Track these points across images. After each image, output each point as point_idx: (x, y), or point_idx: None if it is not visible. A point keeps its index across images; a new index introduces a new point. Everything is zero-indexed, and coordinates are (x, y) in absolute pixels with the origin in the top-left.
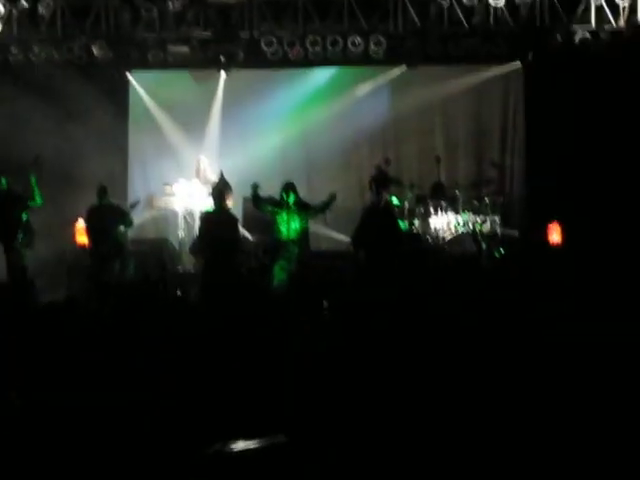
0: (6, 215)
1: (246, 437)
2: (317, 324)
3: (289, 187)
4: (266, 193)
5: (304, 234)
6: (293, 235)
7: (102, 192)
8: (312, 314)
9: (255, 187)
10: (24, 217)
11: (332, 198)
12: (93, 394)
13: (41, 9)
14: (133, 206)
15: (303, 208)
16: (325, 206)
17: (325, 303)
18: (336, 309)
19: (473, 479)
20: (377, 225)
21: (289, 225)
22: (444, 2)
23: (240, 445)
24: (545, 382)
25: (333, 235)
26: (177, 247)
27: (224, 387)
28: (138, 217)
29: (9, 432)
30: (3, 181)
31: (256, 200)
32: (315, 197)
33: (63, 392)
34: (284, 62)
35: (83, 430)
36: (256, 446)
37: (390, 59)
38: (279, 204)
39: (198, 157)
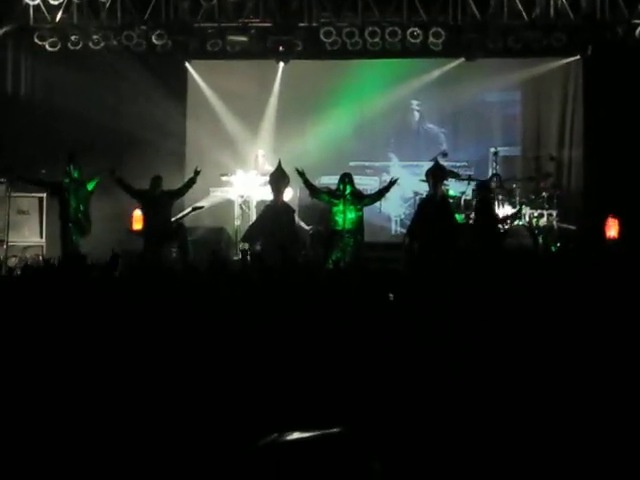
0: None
1: (302, 428)
2: (384, 318)
3: (346, 177)
4: (322, 184)
5: (359, 225)
6: (349, 225)
7: (157, 182)
8: (378, 307)
9: (301, 174)
10: (80, 205)
11: (392, 183)
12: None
13: None
14: (196, 209)
15: (359, 198)
16: (381, 194)
17: (391, 296)
18: (402, 303)
19: None
20: (433, 217)
21: (345, 215)
22: None
23: (295, 436)
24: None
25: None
26: (233, 236)
27: (286, 376)
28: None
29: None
30: (76, 173)
31: (311, 189)
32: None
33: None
34: (343, 53)
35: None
36: (312, 437)
37: (449, 51)
38: (335, 194)
39: (257, 151)
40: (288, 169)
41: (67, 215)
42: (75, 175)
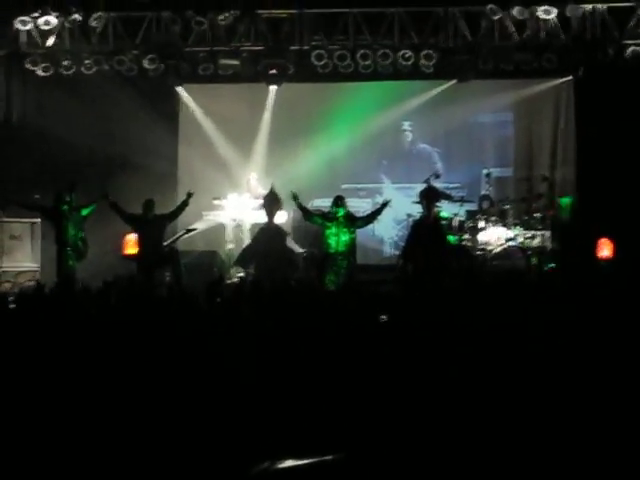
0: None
1: (295, 455)
2: (376, 338)
3: (339, 200)
4: (315, 206)
5: (352, 247)
6: (342, 248)
7: (149, 205)
8: (369, 328)
9: (295, 197)
10: (78, 231)
11: (384, 205)
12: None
13: (93, 22)
14: (189, 232)
15: (352, 220)
16: (374, 216)
17: (383, 317)
18: (395, 325)
19: None
20: (426, 239)
21: (338, 238)
22: (495, 16)
23: (289, 464)
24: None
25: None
26: (226, 259)
27: (276, 401)
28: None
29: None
30: (67, 197)
31: (304, 211)
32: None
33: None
34: (334, 75)
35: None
36: (305, 465)
37: (440, 73)
38: (328, 217)
39: (249, 175)
40: (281, 192)
41: (65, 240)
42: (71, 201)
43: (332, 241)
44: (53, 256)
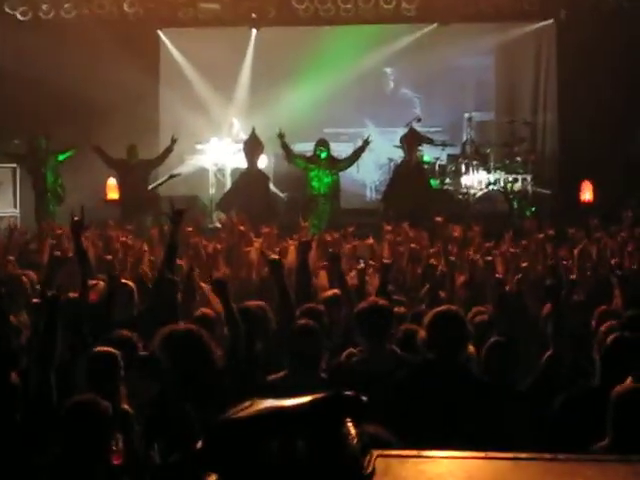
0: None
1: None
2: None
3: (321, 143)
4: (297, 151)
5: (336, 189)
6: (325, 190)
7: (133, 151)
8: None
9: (281, 135)
10: (57, 176)
11: (366, 143)
12: None
13: None
14: (173, 176)
15: (335, 163)
16: (356, 155)
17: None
18: None
19: None
20: (408, 183)
21: (321, 180)
22: None
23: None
24: None
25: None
26: (208, 204)
27: None
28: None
29: None
30: (43, 141)
31: (288, 152)
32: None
33: None
34: (315, 19)
35: None
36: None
37: (422, 17)
38: (311, 160)
39: (230, 119)
40: (262, 136)
41: (45, 186)
42: (44, 146)
43: (315, 183)
44: (32, 201)
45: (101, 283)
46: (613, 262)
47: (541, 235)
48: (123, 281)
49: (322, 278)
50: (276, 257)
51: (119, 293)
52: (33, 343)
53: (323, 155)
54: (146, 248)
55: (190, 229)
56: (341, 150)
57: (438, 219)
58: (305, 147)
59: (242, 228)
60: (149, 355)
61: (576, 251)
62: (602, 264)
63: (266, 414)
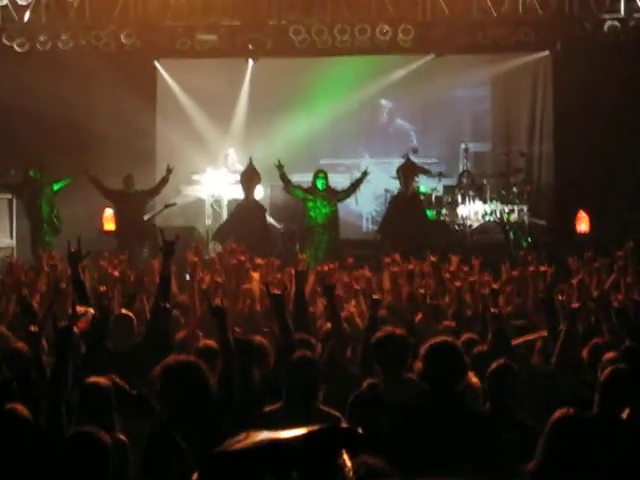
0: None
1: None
2: None
3: (320, 173)
4: (294, 181)
5: (334, 220)
6: (323, 221)
7: (130, 181)
8: None
9: (280, 166)
10: (52, 207)
11: (364, 174)
12: None
13: None
14: (168, 206)
15: (333, 194)
16: (355, 187)
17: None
18: None
19: None
20: (404, 214)
21: (319, 211)
22: None
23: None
24: None
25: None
26: (204, 235)
27: None
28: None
29: None
30: (33, 172)
31: (286, 183)
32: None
33: None
34: (312, 51)
35: None
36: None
37: (418, 48)
38: (310, 190)
39: (227, 149)
40: (258, 167)
41: (40, 217)
42: (39, 177)
43: (313, 214)
44: (28, 232)
45: (90, 311)
46: (596, 295)
47: (531, 268)
48: (123, 312)
49: (320, 307)
50: (278, 292)
51: (119, 324)
52: (33, 374)
53: (321, 186)
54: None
55: (196, 259)
56: (337, 181)
57: (433, 258)
58: (301, 178)
59: (242, 258)
60: (140, 394)
61: (574, 282)
62: (600, 295)
63: (261, 446)
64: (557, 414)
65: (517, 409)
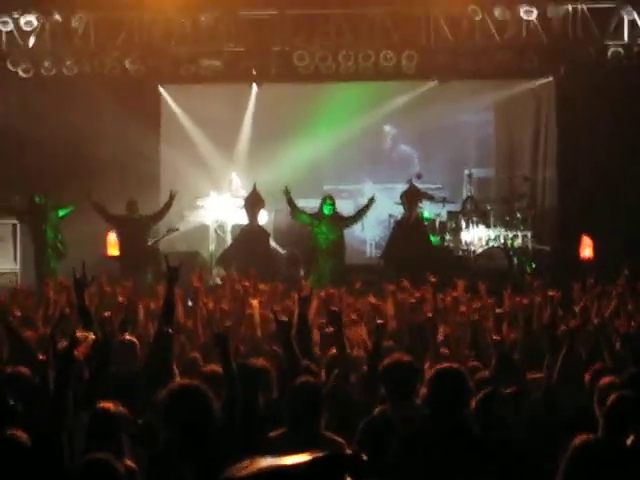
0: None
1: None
2: None
3: (328, 200)
4: (300, 207)
5: (339, 246)
6: (329, 247)
7: (134, 206)
8: None
9: (287, 192)
10: (57, 232)
11: (371, 201)
12: None
13: (74, 23)
14: (172, 231)
15: (340, 220)
16: (361, 214)
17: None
18: None
19: None
20: (407, 239)
21: (326, 237)
22: (476, 17)
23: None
24: None
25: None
26: (208, 260)
27: None
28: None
29: None
30: (38, 198)
31: (293, 208)
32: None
33: None
34: (316, 76)
35: None
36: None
37: (422, 74)
38: (316, 216)
39: (231, 175)
40: (262, 192)
41: (45, 243)
42: (44, 202)
43: (320, 239)
44: (32, 257)
45: (90, 336)
46: (596, 322)
47: (538, 297)
48: (127, 337)
49: (316, 334)
50: (285, 319)
51: (123, 349)
52: (38, 401)
53: (328, 211)
54: (152, 305)
55: (198, 284)
56: (341, 207)
57: (432, 279)
58: (305, 203)
59: (247, 284)
60: (143, 424)
61: (577, 308)
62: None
63: (266, 473)
64: (578, 441)
65: (509, 433)
